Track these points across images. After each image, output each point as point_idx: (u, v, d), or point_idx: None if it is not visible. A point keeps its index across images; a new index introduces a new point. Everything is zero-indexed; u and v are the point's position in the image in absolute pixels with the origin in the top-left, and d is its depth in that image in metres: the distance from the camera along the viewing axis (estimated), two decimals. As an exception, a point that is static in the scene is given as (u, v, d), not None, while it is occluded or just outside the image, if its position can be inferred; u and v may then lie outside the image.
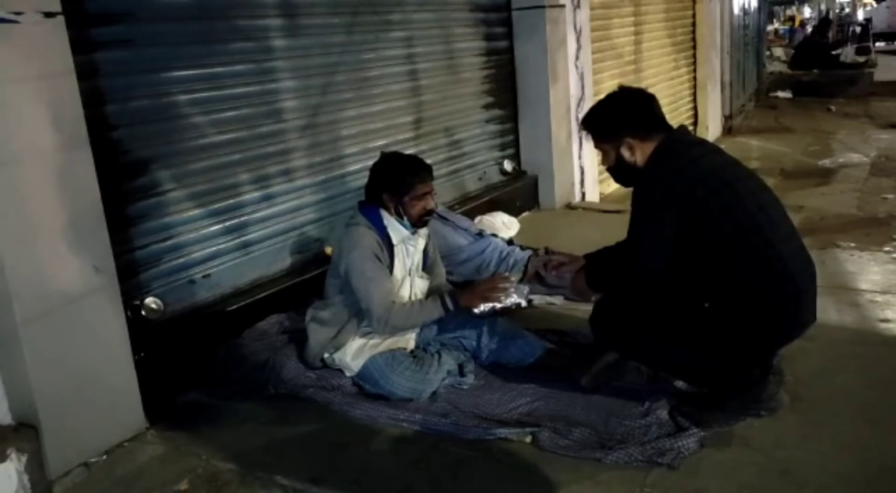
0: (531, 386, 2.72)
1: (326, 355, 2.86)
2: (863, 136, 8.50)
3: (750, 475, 2.18)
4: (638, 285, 2.37)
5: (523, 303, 2.77)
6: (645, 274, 2.32)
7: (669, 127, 2.45)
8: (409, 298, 2.86)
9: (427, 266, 3.00)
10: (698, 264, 2.28)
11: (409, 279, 2.87)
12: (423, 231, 2.92)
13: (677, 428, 2.38)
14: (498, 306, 2.74)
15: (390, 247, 2.78)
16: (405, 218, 2.78)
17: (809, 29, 21.23)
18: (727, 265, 2.27)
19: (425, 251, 2.98)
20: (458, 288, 2.93)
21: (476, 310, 2.74)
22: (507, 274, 2.97)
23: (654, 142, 2.38)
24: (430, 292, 2.92)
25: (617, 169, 2.47)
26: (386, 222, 2.78)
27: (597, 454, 2.30)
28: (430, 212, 2.82)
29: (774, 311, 2.27)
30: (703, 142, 2.52)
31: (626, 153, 2.40)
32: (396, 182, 2.75)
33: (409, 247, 2.86)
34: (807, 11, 27.42)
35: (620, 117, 2.43)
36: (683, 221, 2.23)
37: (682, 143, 2.40)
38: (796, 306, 2.31)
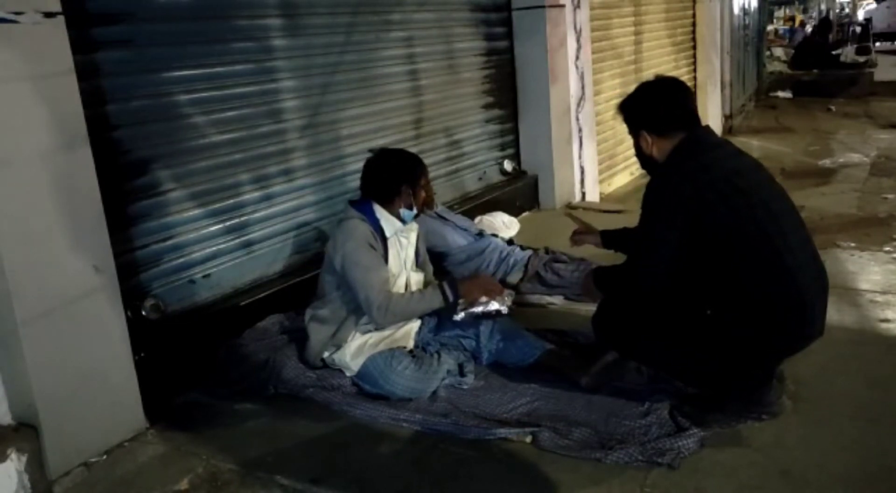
0: (531, 386, 2.72)
1: (326, 355, 2.86)
2: (863, 136, 8.50)
3: (750, 475, 2.18)
4: (641, 287, 2.37)
5: (504, 310, 2.79)
6: (648, 276, 2.32)
7: (693, 124, 2.41)
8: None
9: (419, 263, 3.02)
10: (703, 269, 2.28)
11: (404, 273, 2.90)
12: (414, 224, 2.96)
13: (677, 428, 2.38)
14: (479, 310, 2.75)
15: (384, 240, 2.80)
16: (413, 208, 2.86)
17: (809, 29, 21.22)
18: (731, 273, 2.26)
19: (416, 247, 2.99)
20: (459, 278, 2.93)
21: (456, 317, 2.77)
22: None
23: (672, 139, 2.38)
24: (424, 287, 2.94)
25: (638, 154, 2.51)
26: (378, 215, 2.81)
27: (597, 453, 2.30)
28: (429, 198, 2.95)
29: (776, 322, 2.26)
30: (724, 143, 2.49)
31: (643, 144, 2.45)
32: (412, 173, 2.85)
33: (402, 239, 2.88)
34: (782, 13, 27.28)
35: (639, 112, 2.46)
36: (690, 225, 2.23)
37: (701, 144, 2.38)
38: (800, 320, 2.29)
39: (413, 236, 2.96)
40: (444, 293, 2.73)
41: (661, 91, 2.48)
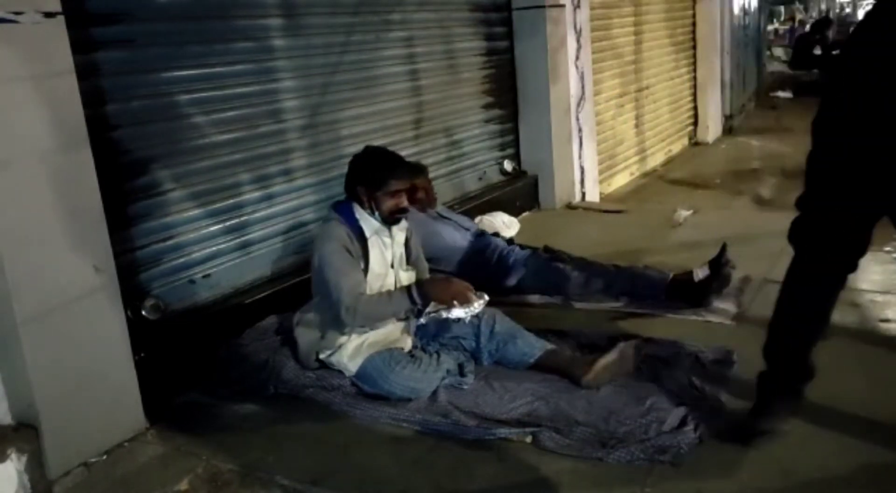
0: (531, 386, 2.71)
1: (324, 356, 2.86)
2: (863, 136, 8.48)
3: (750, 475, 2.18)
4: None
5: (466, 319, 2.75)
6: None
7: None
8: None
9: (411, 260, 3.00)
10: None
11: (392, 272, 2.88)
12: (403, 223, 2.92)
13: (678, 426, 2.38)
14: (444, 315, 2.73)
15: (363, 240, 2.78)
16: (376, 213, 2.80)
17: (808, 28, 21.20)
18: None
19: (407, 245, 2.98)
20: (430, 281, 2.92)
21: (421, 319, 2.76)
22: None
23: None
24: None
25: None
26: (358, 215, 2.80)
27: (598, 453, 2.30)
28: (402, 210, 2.83)
29: None
30: None
31: None
32: (371, 176, 2.78)
33: (385, 239, 2.86)
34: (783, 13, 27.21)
35: None
36: None
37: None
38: None
39: (401, 236, 2.93)
40: (410, 297, 2.73)
41: None
